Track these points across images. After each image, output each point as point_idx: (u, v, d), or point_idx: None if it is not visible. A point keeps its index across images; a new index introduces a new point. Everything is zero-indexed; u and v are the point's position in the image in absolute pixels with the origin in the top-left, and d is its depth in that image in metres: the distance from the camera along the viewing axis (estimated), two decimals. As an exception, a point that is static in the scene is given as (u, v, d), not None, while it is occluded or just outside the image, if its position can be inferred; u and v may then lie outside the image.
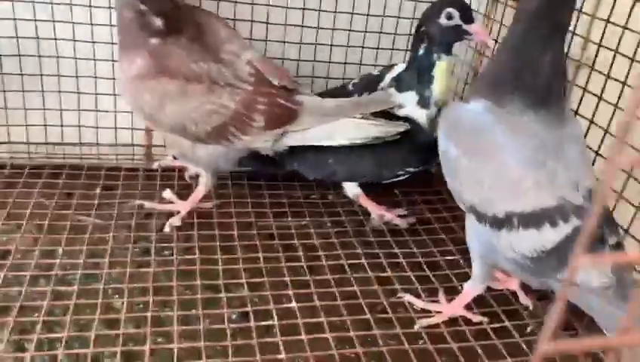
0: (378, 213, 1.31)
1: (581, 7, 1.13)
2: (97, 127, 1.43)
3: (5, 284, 1.04)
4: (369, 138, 1.14)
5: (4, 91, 1.36)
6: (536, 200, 0.82)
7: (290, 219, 1.33)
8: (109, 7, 1.30)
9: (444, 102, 1.15)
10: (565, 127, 0.88)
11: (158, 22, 1.09)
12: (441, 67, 1.12)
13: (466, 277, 1.08)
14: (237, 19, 1.39)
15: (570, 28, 1.09)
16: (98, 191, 1.34)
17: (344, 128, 1.14)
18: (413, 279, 1.16)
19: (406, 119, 1.16)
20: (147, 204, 1.29)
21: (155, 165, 1.44)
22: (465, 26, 1.08)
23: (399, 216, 1.32)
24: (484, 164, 0.87)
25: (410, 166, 1.22)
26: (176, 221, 1.24)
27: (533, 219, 0.83)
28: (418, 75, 1.13)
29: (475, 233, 0.94)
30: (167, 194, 1.31)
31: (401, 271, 1.19)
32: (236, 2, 1.38)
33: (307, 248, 1.23)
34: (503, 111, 0.86)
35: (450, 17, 1.08)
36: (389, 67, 1.23)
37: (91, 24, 1.32)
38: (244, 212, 1.33)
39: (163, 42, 1.10)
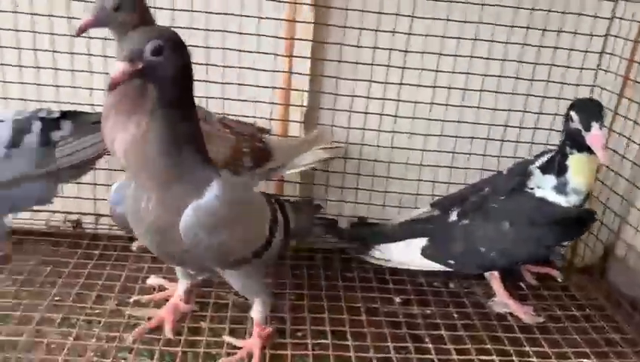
0: (504, 300, 1.20)
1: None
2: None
3: None
4: (320, 159, 1.31)
5: None
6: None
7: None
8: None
9: (587, 194, 1.16)
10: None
11: None
12: (574, 160, 1.13)
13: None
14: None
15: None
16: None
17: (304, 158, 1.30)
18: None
19: (541, 199, 1.17)
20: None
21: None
22: (583, 132, 1.06)
23: (526, 312, 1.19)
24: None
25: (560, 240, 1.23)
26: None
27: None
28: (557, 163, 1.16)
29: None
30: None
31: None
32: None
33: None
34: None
35: (571, 119, 1.09)
36: (545, 152, 1.25)
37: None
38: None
39: None
